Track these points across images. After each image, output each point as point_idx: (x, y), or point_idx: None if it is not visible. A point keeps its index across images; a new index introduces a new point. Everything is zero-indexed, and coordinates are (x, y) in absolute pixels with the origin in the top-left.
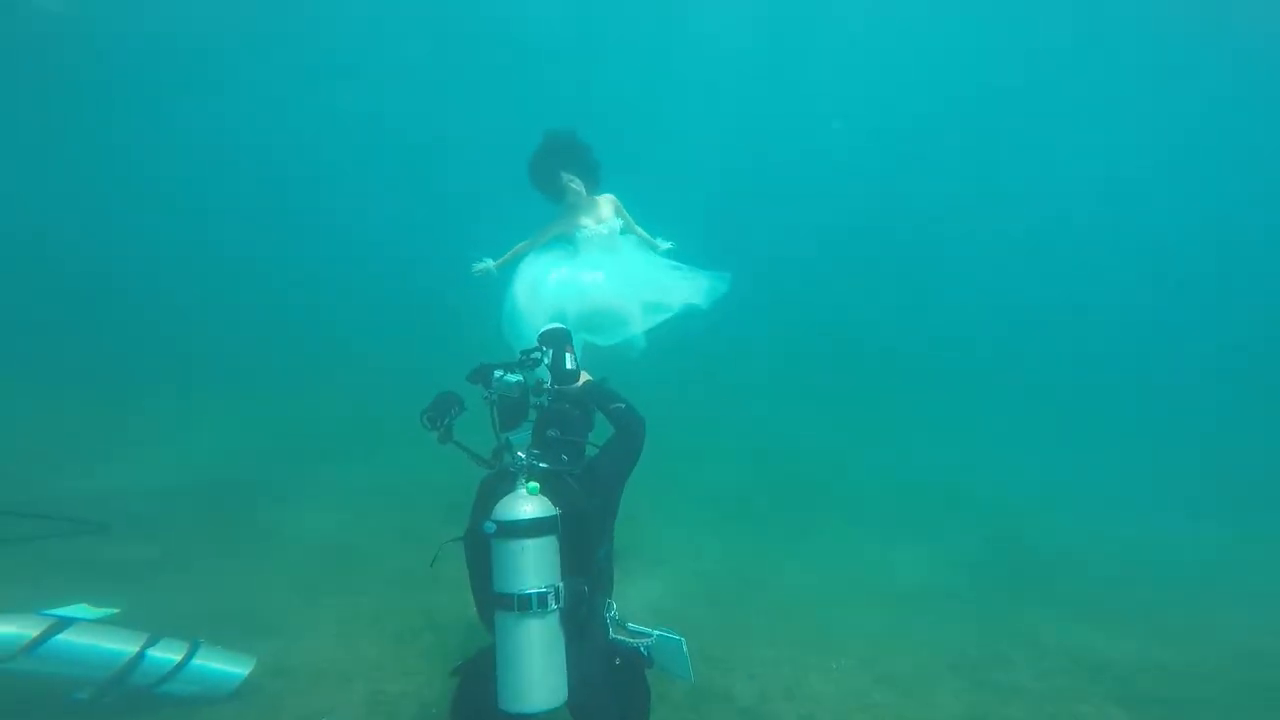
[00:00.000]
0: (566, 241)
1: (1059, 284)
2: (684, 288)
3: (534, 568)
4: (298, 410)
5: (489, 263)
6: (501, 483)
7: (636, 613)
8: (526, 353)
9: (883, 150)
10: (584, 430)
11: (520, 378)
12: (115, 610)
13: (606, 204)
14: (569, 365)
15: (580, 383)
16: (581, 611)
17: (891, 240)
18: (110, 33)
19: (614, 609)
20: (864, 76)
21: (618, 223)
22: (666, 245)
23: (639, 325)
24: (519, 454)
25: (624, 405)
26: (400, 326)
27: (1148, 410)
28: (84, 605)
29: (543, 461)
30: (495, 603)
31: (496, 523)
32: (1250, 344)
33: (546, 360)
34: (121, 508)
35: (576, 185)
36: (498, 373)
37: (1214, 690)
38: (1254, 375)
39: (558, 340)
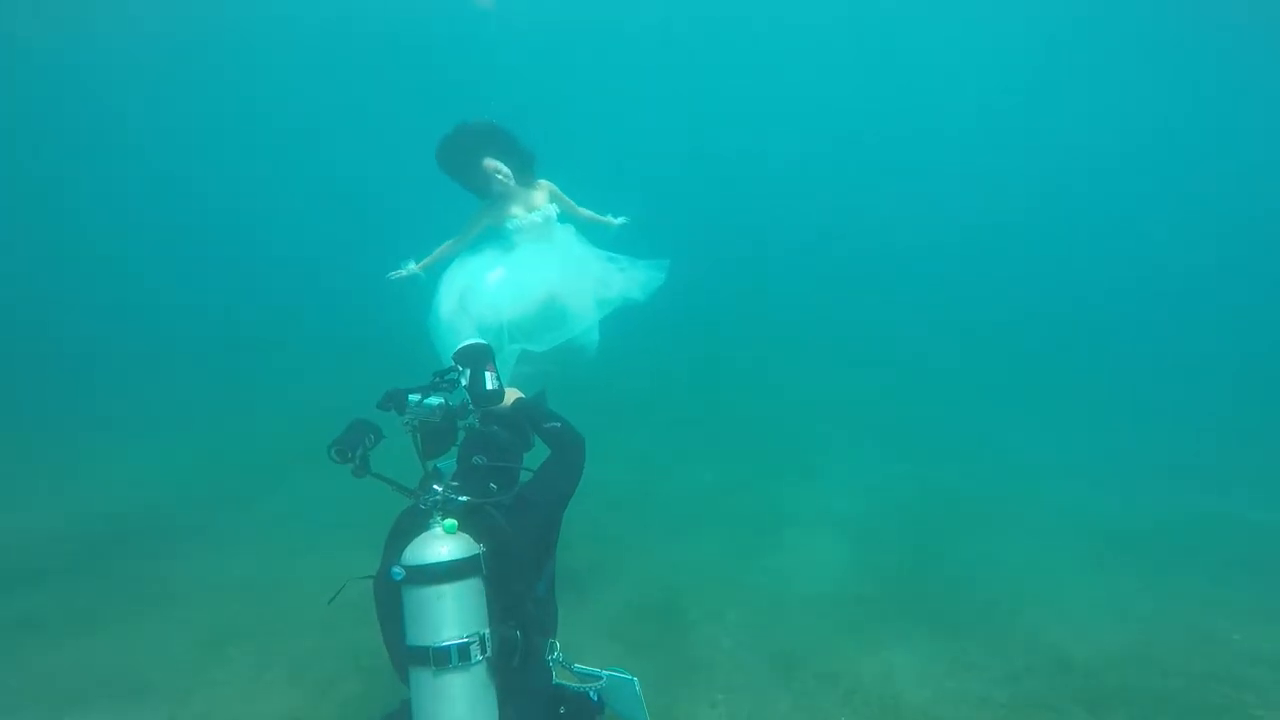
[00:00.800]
0: (497, 235)
1: (1045, 280)
2: (621, 280)
3: (453, 616)
4: (211, 447)
5: (411, 266)
6: (416, 520)
7: (591, 636)
8: (441, 374)
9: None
10: (516, 454)
11: (441, 399)
12: None
13: (541, 191)
14: (490, 385)
15: (510, 402)
16: (514, 659)
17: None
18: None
19: (557, 650)
20: (827, 67)
21: (553, 209)
22: (620, 221)
23: (578, 323)
24: (435, 487)
25: (559, 424)
26: (323, 348)
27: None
28: None
29: (464, 493)
30: (408, 658)
31: (406, 568)
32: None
33: (464, 381)
34: (3, 557)
35: (503, 174)
36: (413, 397)
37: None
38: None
39: (476, 358)
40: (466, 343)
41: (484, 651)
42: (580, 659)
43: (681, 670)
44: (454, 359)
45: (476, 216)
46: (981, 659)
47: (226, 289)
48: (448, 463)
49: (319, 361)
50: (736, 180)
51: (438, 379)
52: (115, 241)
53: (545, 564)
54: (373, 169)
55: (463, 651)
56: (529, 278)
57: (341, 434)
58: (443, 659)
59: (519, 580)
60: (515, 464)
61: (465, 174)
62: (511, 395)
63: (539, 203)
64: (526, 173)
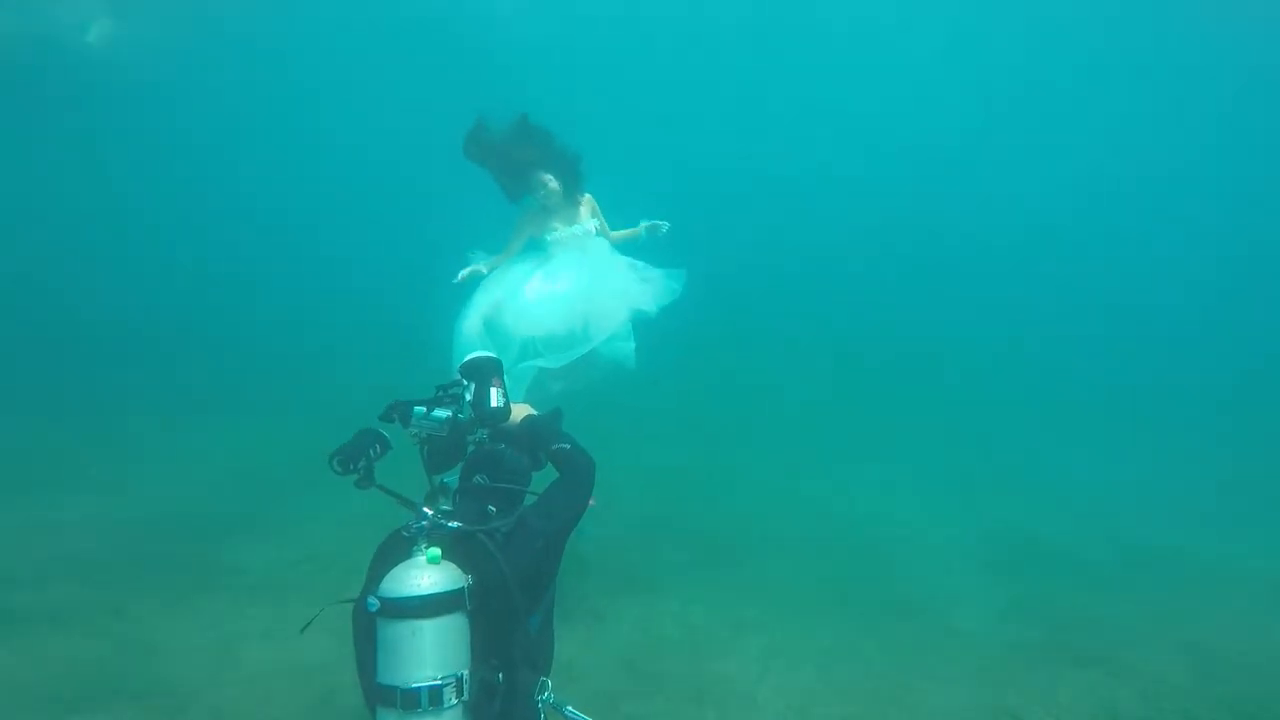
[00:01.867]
0: (533, 245)
1: (1067, 285)
2: (646, 291)
3: (429, 655)
4: (281, 438)
5: (480, 265)
6: (402, 544)
7: (603, 666)
8: (444, 387)
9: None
10: (522, 475)
11: (449, 413)
12: None
13: (584, 206)
14: (495, 403)
15: (520, 419)
16: (494, 704)
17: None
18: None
19: (549, 690)
20: (854, 74)
21: (594, 224)
22: (650, 226)
23: (605, 336)
24: (425, 510)
25: (569, 446)
26: (388, 347)
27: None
28: None
29: (459, 516)
30: (375, 696)
31: (381, 599)
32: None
33: (469, 396)
34: (69, 544)
35: (554, 185)
36: (419, 409)
37: None
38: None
39: (483, 372)
40: (473, 355)
41: (460, 695)
42: (587, 689)
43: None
44: (459, 372)
45: (521, 226)
46: None
47: (308, 303)
48: (454, 477)
49: (382, 349)
50: (776, 193)
51: (441, 392)
52: (169, 233)
53: (542, 595)
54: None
55: (434, 695)
56: (564, 291)
57: (346, 443)
58: (411, 702)
59: (509, 617)
60: (519, 486)
61: (513, 179)
62: (521, 412)
63: (581, 217)
64: (573, 187)
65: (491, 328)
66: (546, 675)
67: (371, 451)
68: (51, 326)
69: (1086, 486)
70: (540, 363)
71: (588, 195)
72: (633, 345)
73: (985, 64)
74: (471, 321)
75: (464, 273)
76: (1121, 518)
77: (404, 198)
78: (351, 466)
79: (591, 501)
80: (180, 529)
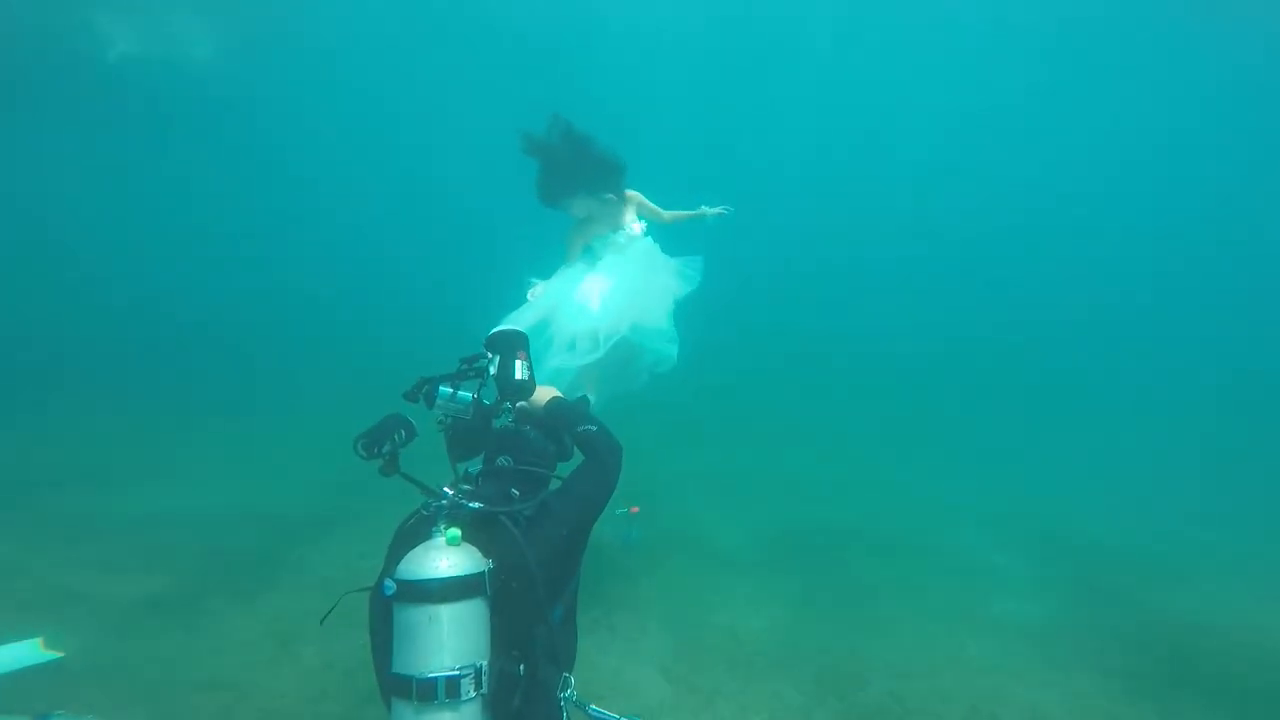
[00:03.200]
0: (587, 253)
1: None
2: (678, 282)
3: (447, 643)
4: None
5: (538, 286)
6: (420, 527)
7: (639, 672)
8: (469, 360)
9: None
10: (547, 458)
11: (474, 395)
12: (60, 655)
13: (629, 207)
14: (519, 375)
15: (545, 401)
16: (515, 698)
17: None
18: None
19: (572, 687)
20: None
21: (642, 225)
22: (717, 210)
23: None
24: (445, 489)
25: (595, 428)
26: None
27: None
28: (37, 642)
29: (479, 499)
30: (389, 687)
31: (398, 582)
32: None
33: (493, 370)
34: (161, 536)
35: (582, 213)
36: (444, 389)
37: None
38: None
39: (508, 345)
40: (499, 328)
41: (479, 687)
42: (621, 695)
43: None
44: (485, 345)
45: (572, 239)
46: None
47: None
48: (478, 466)
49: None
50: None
51: (465, 365)
52: (242, 241)
53: (565, 586)
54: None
55: (451, 686)
56: (608, 291)
57: (372, 427)
58: (427, 693)
59: (529, 605)
60: (544, 470)
61: (560, 201)
62: (547, 394)
63: (627, 219)
64: (618, 192)
65: (540, 330)
66: (570, 671)
67: (397, 436)
68: (142, 330)
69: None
70: (583, 360)
71: (632, 193)
72: (676, 349)
73: (987, 71)
74: (524, 317)
75: (534, 291)
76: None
77: (469, 220)
78: (376, 451)
79: (635, 509)
80: (253, 525)
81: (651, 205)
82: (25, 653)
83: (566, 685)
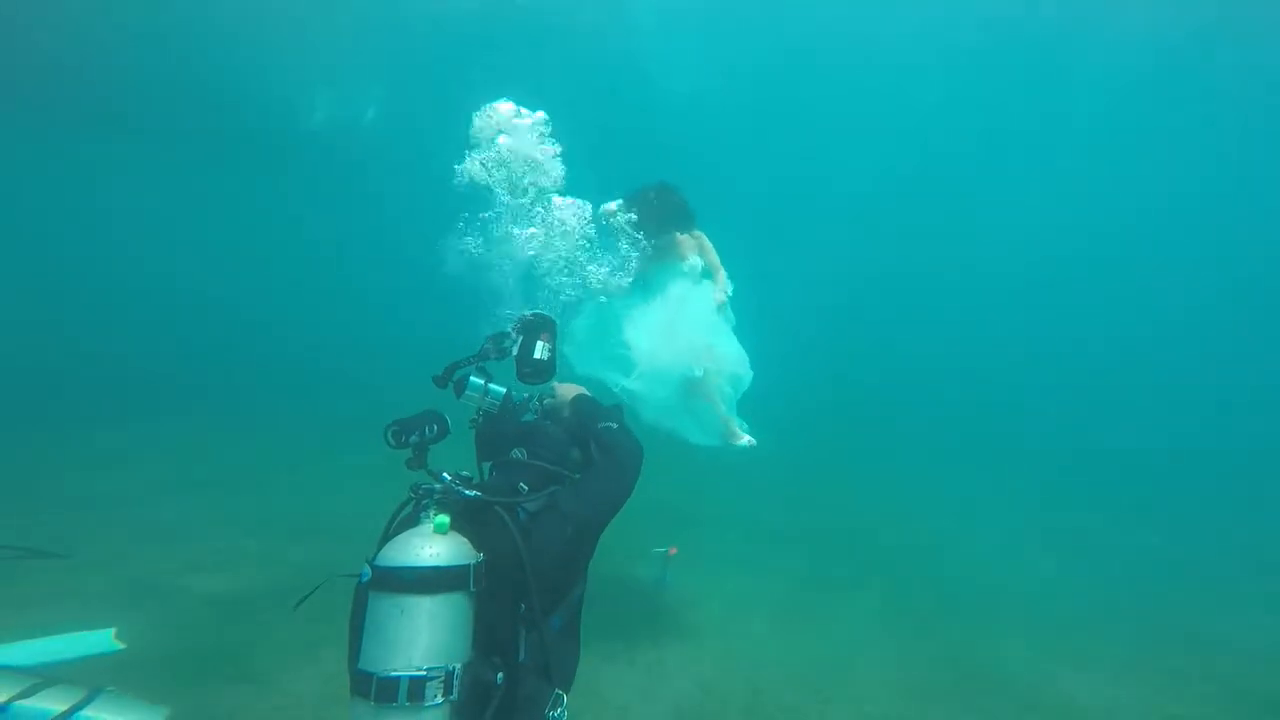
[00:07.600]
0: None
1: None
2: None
3: (419, 639)
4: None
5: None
6: (416, 514)
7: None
8: (496, 339)
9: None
10: (566, 459)
11: (505, 389)
12: (121, 646)
13: (688, 246)
14: (539, 354)
15: (570, 397)
16: (487, 710)
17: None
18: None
19: (563, 708)
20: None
21: (698, 263)
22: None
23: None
24: (443, 474)
25: (616, 426)
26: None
27: None
28: (110, 633)
29: (478, 489)
30: (352, 684)
31: (374, 568)
32: None
33: (515, 351)
34: (234, 539)
35: (684, 238)
36: (476, 380)
37: None
38: None
39: (533, 327)
40: (532, 312)
41: (447, 693)
42: None
43: None
44: (513, 327)
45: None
46: None
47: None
48: None
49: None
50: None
51: (490, 345)
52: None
53: (567, 593)
54: None
55: (415, 688)
56: (647, 324)
57: (405, 417)
58: (387, 693)
59: (519, 607)
60: (560, 466)
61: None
62: (571, 390)
63: (684, 257)
64: (685, 231)
65: (588, 346)
66: (565, 690)
67: (427, 430)
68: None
69: None
70: (629, 384)
71: (694, 234)
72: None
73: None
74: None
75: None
76: None
77: None
78: (404, 440)
79: (673, 549)
80: (310, 530)
81: (713, 259)
82: (98, 641)
83: (558, 704)
